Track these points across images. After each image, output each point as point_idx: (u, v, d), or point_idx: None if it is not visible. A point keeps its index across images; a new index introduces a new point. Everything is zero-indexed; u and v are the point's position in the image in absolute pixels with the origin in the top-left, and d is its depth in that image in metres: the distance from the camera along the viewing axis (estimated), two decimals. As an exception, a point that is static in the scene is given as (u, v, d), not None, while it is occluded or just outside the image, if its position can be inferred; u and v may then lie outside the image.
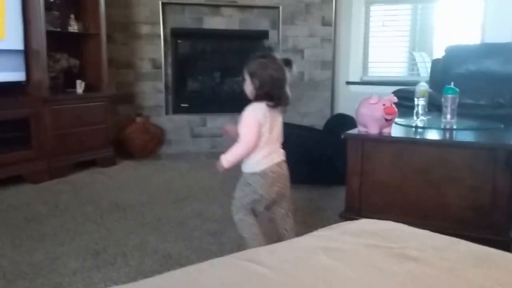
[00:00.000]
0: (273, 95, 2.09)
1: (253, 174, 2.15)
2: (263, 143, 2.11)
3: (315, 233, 1.45)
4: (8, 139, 3.51)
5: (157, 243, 2.48)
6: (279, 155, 2.21)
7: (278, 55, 2.18)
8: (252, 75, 2.12)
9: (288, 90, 2.14)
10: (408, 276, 1.11)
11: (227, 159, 2.15)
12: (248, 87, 2.14)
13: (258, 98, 2.11)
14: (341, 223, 1.53)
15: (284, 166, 2.23)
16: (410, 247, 1.26)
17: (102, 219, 2.84)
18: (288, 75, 2.13)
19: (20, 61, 3.59)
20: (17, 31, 3.55)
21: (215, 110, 5.06)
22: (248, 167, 2.16)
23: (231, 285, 1.09)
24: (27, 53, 3.63)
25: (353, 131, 2.71)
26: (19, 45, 3.57)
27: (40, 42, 3.62)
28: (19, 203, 3.14)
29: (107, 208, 3.04)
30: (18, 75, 3.59)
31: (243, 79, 2.16)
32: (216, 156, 4.94)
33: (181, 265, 2.12)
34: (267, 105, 2.09)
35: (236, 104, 5.45)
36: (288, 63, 2.15)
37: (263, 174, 2.14)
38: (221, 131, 2.38)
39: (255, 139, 2.08)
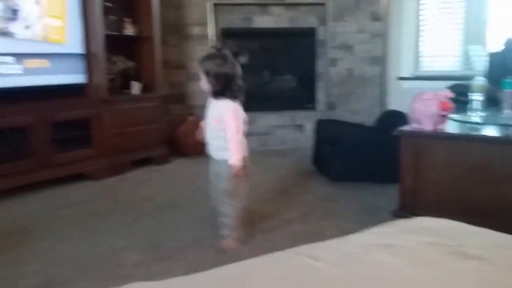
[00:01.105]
0: (230, 90, 2.30)
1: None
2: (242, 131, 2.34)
3: (371, 230, 1.44)
4: (71, 139, 3.68)
5: (211, 238, 2.53)
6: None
7: (227, 51, 2.34)
8: (208, 75, 2.29)
9: (240, 81, 2.34)
10: (469, 274, 1.09)
11: (237, 159, 2.31)
12: (205, 85, 2.33)
13: (216, 94, 2.32)
14: (397, 221, 1.52)
15: None
16: (470, 245, 1.23)
17: (158, 215, 2.94)
18: (239, 68, 2.33)
19: (80, 64, 3.75)
20: (77, 36, 3.72)
21: (264, 109, 5.10)
22: None
23: (289, 279, 1.10)
24: (87, 56, 3.78)
25: (406, 127, 2.67)
26: (79, 49, 3.74)
27: (99, 45, 3.77)
28: (82, 199, 3.30)
29: (163, 204, 3.14)
30: (79, 78, 3.75)
31: (200, 77, 2.34)
32: (266, 153, 5.00)
33: (235, 260, 2.15)
34: (232, 99, 2.32)
35: (284, 102, 5.49)
36: (237, 55, 2.34)
37: (244, 160, 2.36)
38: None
39: (242, 127, 2.31)
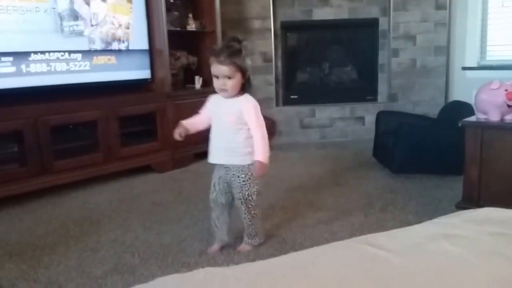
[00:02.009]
0: (249, 84, 2.18)
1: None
2: None
3: (435, 220, 1.43)
4: (138, 132, 3.85)
5: (272, 229, 2.57)
6: None
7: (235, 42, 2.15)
8: (243, 71, 2.12)
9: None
10: (537, 264, 1.07)
11: (265, 157, 2.17)
12: (237, 84, 2.13)
13: (242, 88, 2.16)
14: (462, 211, 1.50)
15: None
16: (539, 235, 1.20)
17: (221, 206, 3.01)
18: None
19: (145, 60, 3.90)
20: (142, 33, 3.86)
21: (324, 101, 5.09)
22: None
23: (353, 266, 1.12)
24: (151, 52, 3.92)
25: (471, 118, 2.61)
26: (144, 45, 3.88)
27: (163, 41, 3.89)
28: (147, 190, 3.43)
29: (225, 196, 3.21)
30: (144, 73, 3.91)
31: (228, 78, 2.11)
32: (326, 145, 4.97)
33: (296, 250, 2.17)
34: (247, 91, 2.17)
35: (344, 94, 5.46)
36: (239, 41, 2.14)
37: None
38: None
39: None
